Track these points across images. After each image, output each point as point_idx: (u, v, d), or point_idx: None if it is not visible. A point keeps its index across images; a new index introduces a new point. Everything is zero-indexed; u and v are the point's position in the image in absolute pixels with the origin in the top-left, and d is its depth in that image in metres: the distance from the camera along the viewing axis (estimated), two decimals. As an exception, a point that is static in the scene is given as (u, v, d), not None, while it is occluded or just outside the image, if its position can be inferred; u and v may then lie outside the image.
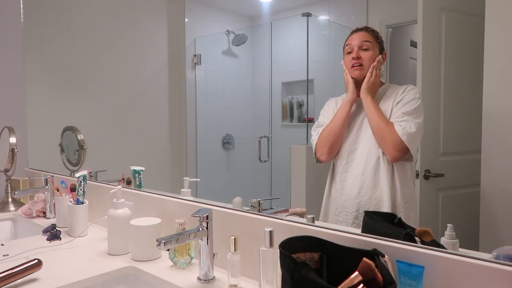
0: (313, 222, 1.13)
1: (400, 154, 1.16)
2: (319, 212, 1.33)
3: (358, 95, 1.27)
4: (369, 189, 1.22)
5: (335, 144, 1.31)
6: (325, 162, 1.35)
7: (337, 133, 1.30)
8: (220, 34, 2.27)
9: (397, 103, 1.20)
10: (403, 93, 1.20)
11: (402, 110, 1.18)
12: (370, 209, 1.20)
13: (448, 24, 1.20)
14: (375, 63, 1.23)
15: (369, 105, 1.22)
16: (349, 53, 1.27)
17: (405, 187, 1.18)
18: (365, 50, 1.25)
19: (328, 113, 1.37)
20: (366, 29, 1.27)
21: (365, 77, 1.24)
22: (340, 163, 1.31)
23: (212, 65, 2.36)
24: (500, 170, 1.06)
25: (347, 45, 1.29)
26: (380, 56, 1.24)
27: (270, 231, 0.98)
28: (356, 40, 1.26)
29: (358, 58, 1.25)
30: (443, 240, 0.96)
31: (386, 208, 1.18)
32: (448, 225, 0.96)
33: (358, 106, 1.29)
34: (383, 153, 1.19)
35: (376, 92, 1.25)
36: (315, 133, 1.37)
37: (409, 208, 1.18)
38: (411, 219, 1.17)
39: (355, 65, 1.25)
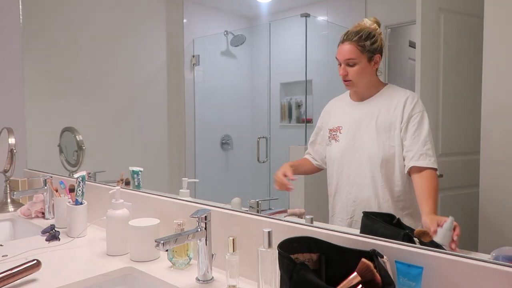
0: (311, 222, 1.13)
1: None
2: (318, 213, 1.34)
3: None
4: (363, 192, 1.23)
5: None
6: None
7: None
8: (219, 34, 2.27)
9: (407, 126, 1.16)
10: (406, 105, 1.16)
11: (421, 137, 1.14)
12: (366, 209, 1.21)
13: (447, 25, 1.20)
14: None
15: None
16: (339, 64, 1.25)
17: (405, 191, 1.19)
18: (351, 66, 1.22)
19: (323, 118, 1.39)
20: (350, 40, 1.21)
21: (356, 88, 1.25)
22: (334, 167, 1.32)
23: (210, 65, 2.36)
24: (499, 171, 1.06)
25: (336, 57, 1.26)
26: (371, 62, 1.21)
27: (269, 232, 0.98)
28: (341, 55, 1.23)
29: (345, 75, 1.23)
30: (442, 241, 0.96)
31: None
32: (447, 225, 0.96)
33: (355, 109, 1.29)
34: (382, 161, 1.19)
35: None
36: (309, 145, 1.43)
37: (413, 214, 1.18)
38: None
39: (344, 80, 1.25)
